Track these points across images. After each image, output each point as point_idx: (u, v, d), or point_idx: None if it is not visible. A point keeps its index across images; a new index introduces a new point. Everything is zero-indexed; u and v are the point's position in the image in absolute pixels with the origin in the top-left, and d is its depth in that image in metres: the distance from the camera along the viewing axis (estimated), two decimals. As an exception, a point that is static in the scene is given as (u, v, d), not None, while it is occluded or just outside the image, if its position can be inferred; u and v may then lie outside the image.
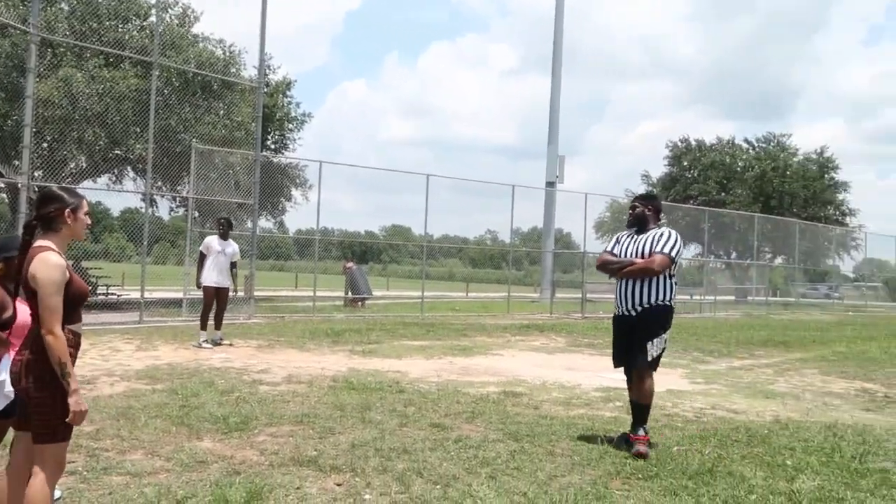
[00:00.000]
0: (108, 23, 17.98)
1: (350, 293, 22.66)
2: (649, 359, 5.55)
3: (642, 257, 5.60)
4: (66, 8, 17.73)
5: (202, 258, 11.36)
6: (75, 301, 3.17)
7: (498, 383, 8.50)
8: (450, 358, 10.75)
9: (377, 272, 51.03)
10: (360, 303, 22.42)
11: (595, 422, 6.50)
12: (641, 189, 49.56)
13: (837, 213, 46.44)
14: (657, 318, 5.56)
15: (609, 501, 4.32)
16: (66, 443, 3.22)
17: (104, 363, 8.86)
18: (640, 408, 5.62)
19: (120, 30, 18.26)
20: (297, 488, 4.39)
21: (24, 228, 3.20)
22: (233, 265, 11.58)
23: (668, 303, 5.59)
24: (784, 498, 4.49)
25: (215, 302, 11.29)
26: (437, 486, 4.49)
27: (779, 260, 40.92)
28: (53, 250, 3.16)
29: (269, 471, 4.69)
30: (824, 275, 42.41)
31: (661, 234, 5.65)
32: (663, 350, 5.62)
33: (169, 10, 19.43)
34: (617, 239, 5.98)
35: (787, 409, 7.60)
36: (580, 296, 24.13)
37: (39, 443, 3.13)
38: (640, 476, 4.83)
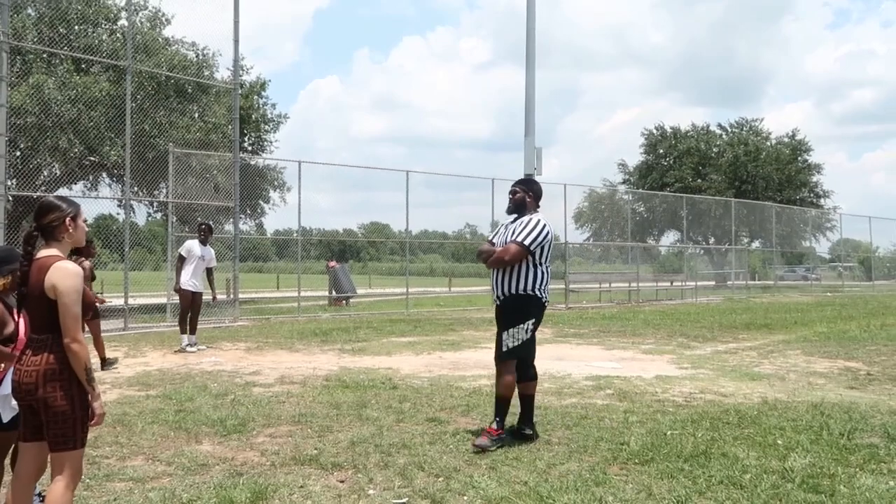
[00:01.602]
0: (77, 27, 17.82)
1: (334, 292, 22.64)
2: (503, 349, 5.40)
3: None
4: (34, 14, 17.55)
5: (181, 262, 11.21)
6: (85, 310, 3.20)
7: (490, 376, 8.53)
8: (439, 353, 10.81)
9: (357, 270, 50.89)
10: (344, 301, 22.41)
11: (588, 410, 6.58)
12: (619, 178, 49.95)
13: (812, 195, 47.12)
14: (517, 308, 5.38)
15: (609, 486, 4.40)
16: (83, 449, 3.26)
17: (94, 371, 8.80)
18: (500, 399, 5.45)
19: (90, 34, 18.10)
20: (301, 486, 4.43)
21: (25, 239, 3.22)
22: (210, 271, 11.49)
23: (529, 292, 5.38)
24: (777, 476, 4.59)
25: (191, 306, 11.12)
26: (440, 479, 4.55)
27: (756, 244, 41.43)
28: (66, 259, 3.19)
29: (272, 471, 4.73)
30: (801, 257, 43.00)
31: (524, 223, 5.44)
32: (525, 341, 5.39)
33: (139, 12, 19.27)
34: (505, 226, 5.71)
35: (774, 391, 7.74)
36: (563, 286, 24.28)
37: (59, 451, 3.16)
38: (636, 461, 4.92)
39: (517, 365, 5.51)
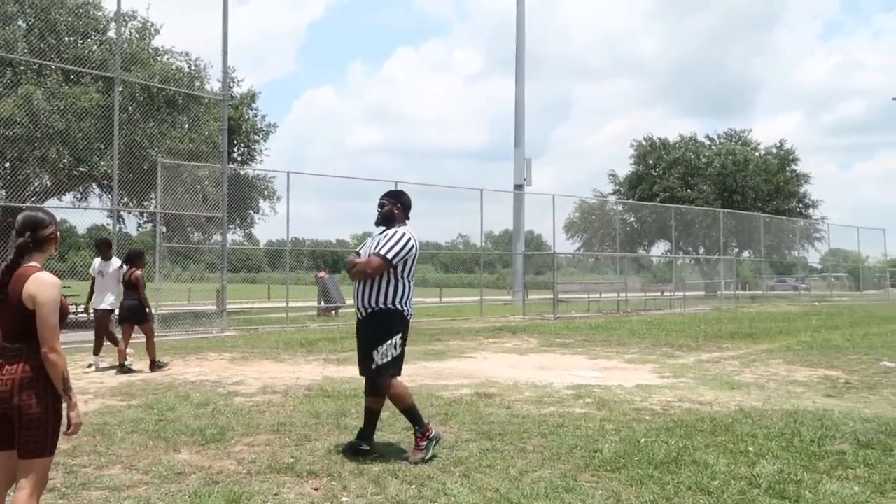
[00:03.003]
0: (66, 38, 17.89)
1: (323, 303, 22.67)
2: (373, 366, 5.33)
3: None
4: (24, 25, 17.62)
5: (92, 281, 10.72)
6: (61, 319, 3.28)
7: (471, 385, 8.64)
8: (423, 363, 10.86)
9: (349, 280, 50.93)
10: (333, 312, 22.44)
11: (566, 419, 6.65)
12: (609, 188, 50.15)
13: (801, 205, 47.40)
14: (380, 323, 5.31)
15: (578, 493, 4.47)
16: (51, 458, 3.31)
17: (77, 381, 8.84)
18: (403, 413, 5.42)
19: (80, 45, 18.17)
20: (275, 494, 4.49)
21: (19, 250, 3.28)
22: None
23: (392, 306, 5.29)
24: (745, 482, 4.68)
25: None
26: (412, 486, 4.61)
27: (745, 254, 41.64)
28: (44, 270, 3.27)
29: (247, 479, 4.78)
30: (791, 267, 43.22)
31: (388, 235, 5.36)
32: (395, 357, 5.32)
33: (128, 22, 19.35)
34: (373, 238, 5.60)
35: (751, 399, 7.83)
36: (552, 297, 24.38)
37: (28, 458, 3.21)
38: (608, 468, 4.99)
39: (369, 379, 5.50)
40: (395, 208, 5.55)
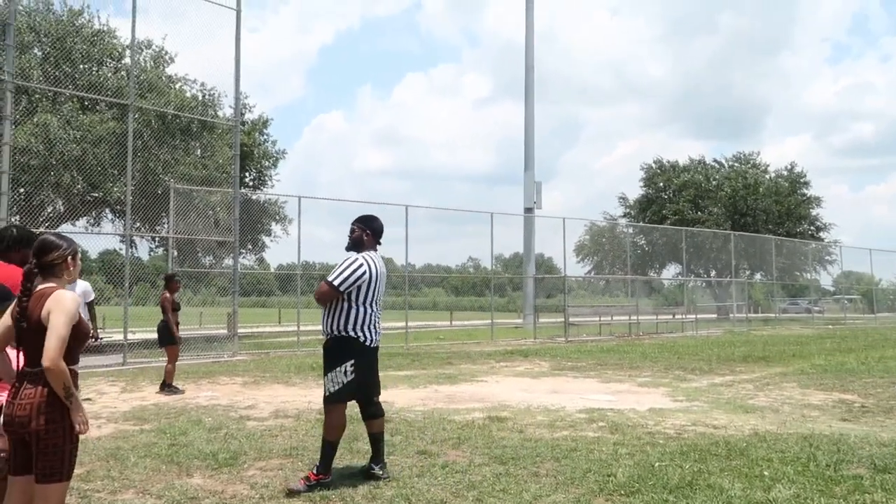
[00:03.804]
0: (82, 66, 18.14)
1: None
2: (326, 393, 5.31)
3: None
4: (40, 53, 17.88)
5: None
6: (80, 341, 3.30)
7: (483, 409, 8.61)
8: (435, 386, 10.84)
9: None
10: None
11: (579, 443, 6.62)
12: (619, 211, 50.15)
13: (812, 228, 47.21)
14: (335, 349, 5.31)
15: (593, 518, 4.44)
16: (68, 482, 3.32)
17: (90, 406, 8.87)
18: (324, 443, 5.30)
19: (94, 73, 18.42)
20: (289, 519, 4.47)
21: (25, 276, 3.31)
22: (90, 305, 9.90)
23: (344, 333, 5.26)
24: (761, 507, 4.63)
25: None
26: (426, 511, 4.59)
27: (757, 276, 41.44)
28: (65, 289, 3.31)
29: (260, 503, 4.78)
30: (803, 289, 42.98)
31: (342, 262, 5.35)
32: (346, 384, 5.24)
33: (143, 51, 19.61)
34: None
35: (765, 423, 7.77)
36: (563, 320, 24.32)
37: (45, 483, 3.22)
38: (622, 492, 4.96)
39: (360, 403, 5.46)
40: (364, 234, 5.52)
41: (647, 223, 43.66)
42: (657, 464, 5.75)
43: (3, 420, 3.33)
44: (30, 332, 3.26)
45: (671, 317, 29.49)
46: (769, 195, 45.04)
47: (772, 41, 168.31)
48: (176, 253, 17.63)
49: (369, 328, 5.35)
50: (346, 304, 5.27)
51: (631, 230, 42.16)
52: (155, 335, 11.15)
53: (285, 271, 24.36)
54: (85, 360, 13.73)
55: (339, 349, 5.29)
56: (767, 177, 47.98)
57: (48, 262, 3.36)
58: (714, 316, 34.32)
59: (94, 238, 24.57)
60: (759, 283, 40.86)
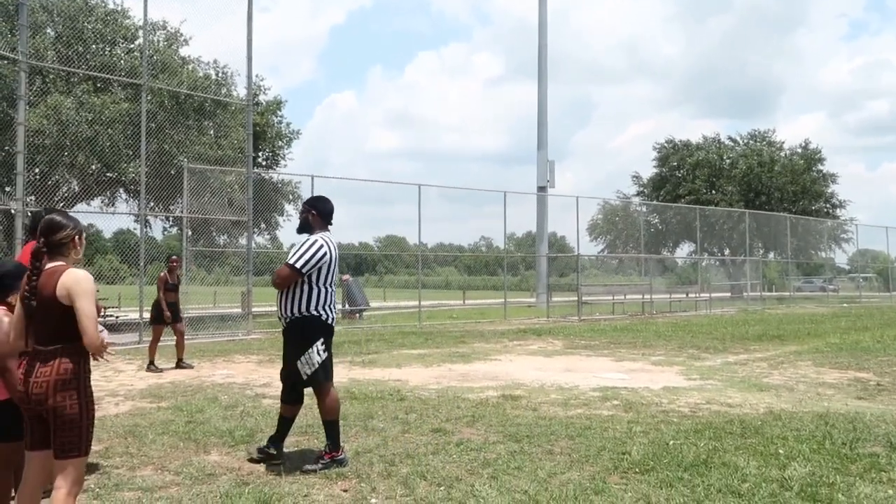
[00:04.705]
0: (94, 46, 18.13)
1: (347, 305, 22.77)
2: (304, 377, 5.26)
3: None
4: (52, 34, 17.89)
5: None
6: None
7: (497, 387, 8.64)
8: (449, 365, 10.88)
9: (374, 283, 51.10)
10: (357, 314, 22.53)
11: (593, 421, 6.63)
12: (633, 190, 49.89)
13: (828, 206, 46.78)
14: (300, 331, 5.25)
15: (608, 495, 4.46)
16: (86, 457, 3.37)
17: (107, 384, 8.97)
18: (325, 424, 5.29)
19: (107, 54, 18.42)
20: (305, 496, 4.52)
21: (34, 254, 3.35)
22: None
23: (307, 312, 5.22)
24: (776, 485, 4.63)
25: None
26: (441, 488, 4.62)
27: (771, 255, 41.19)
28: (76, 268, 3.35)
29: (277, 480, 4.83)
30: (818, 268, 42.70)
31: (300, 244, 5.35)
32: (321, 363, 5.22)
33: (156, 31, 19.59)
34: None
35: (780, 401, 7.75)
36: (576, 299, 24.30)
37: (64, 458, 3.28)
38: (636, 470, 4.97)
39: (287, 386, 5.44)
40: (309, 215, 5.48)
41: (661, 202, 43.42)
42: (671, 442, 5.75)
43: (19, 397, 3.39)
44: (40, 309, 3.30)
45: (685, 296, 29.38)
46: (784, 173, 44.63)
47: (786, 18, 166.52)
48: (190, 232, 17.71)
49: (330, 307, 5.35)
50: (306, 286, 5.24)
51: (644, 209, 41.93)
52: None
53: (298, 251, 24.41)
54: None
55: (305, 330, 5.25)
56: (782, 154, 47.51)
57: (56, 241, 3.40)
58: (728, 295, 34.16)
59: (109, 218, 24.70)
60: (773, 261, 40.60)
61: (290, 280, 5.22)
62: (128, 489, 4.66)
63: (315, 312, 5.24)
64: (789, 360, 11.52)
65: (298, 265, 5.19)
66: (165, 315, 10.62)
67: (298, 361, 5.24)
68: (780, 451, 5.44)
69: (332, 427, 5.26)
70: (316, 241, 5.30)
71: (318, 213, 5.49)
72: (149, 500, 4.47)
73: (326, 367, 5.29)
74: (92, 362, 3.48)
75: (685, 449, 5.50)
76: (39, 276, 3.32)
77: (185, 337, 11.23)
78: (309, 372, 5.22)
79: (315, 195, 5.68)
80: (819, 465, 5.08)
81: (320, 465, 5.07)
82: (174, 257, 11.33)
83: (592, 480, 4.75)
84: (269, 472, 5.02)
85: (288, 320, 5.31)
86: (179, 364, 10.63)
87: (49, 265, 3.36)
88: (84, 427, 3.30)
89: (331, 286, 5.37)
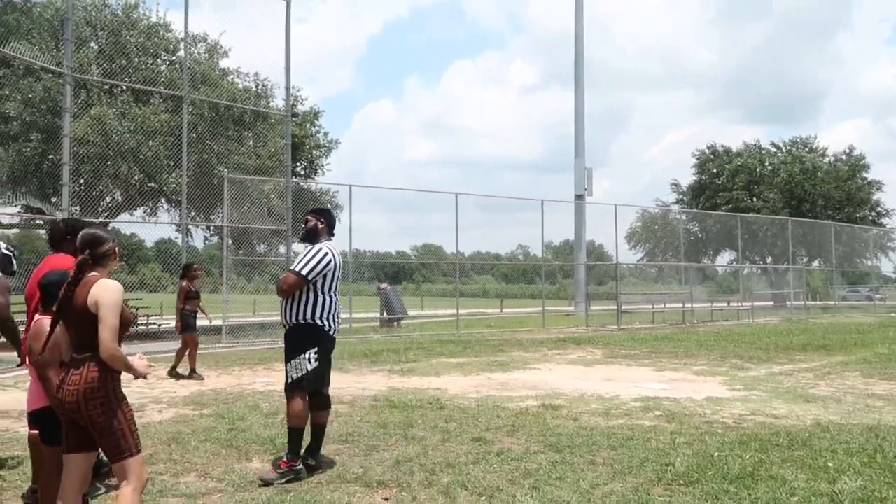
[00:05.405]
0: (136, 59, 18.51)
1: (385, 314, 22.85)
2: (288, 381, 5.28)
3: None
4: (96, 47, 18.29)
5: None
6: (124, 327, 3.39)
7: (537, 397, 8.57)
8: (487, 374, 10.84)
9: (411, 292, 51.21)
10: (395, 323, 22.59)
11: (635, 431, 6.54)
12: (672, 198, 49.36)
13: (873, 213, 45.77)
14: (299, 337, 5.29)
15: (652, 507, 4.38)
16: (141, 455, 3.45)
17: (151, 391, 9.10)
18: (289, 430, 5.29)
19: (149, 66, 18.78)
20: (346, 504, 4.52)
21: (79, 266, 3.43)
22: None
23: (310, 321, 5.27)
24: (826, 499, 4.51)
25: None
26: (482, 498, 4.59)
27: (815, 263, 40.39)
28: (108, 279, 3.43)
29: (318, 488, 4.83)
30: (864, 277, 41.76)
31: (306, 252, 5.39)
32: (309, 371, 5.22)
33: (197, 44, 19.93)
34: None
35: (828, 413, 7.57)
36: (615, 307, 24.07)
37: (117, 462, 3.36)
38: (681, 482, 4.88)
39: (313, 392, 5.38)
40: (319, 223, 5.55)
41: (701, 210, 42.86)
42: (716, 453, 5.64)
43: (55, 403, 3.49)
44: (74, 318, 3.39)
45: (726, 304, 28.94)
46: (828, 180, 43.76)
47: (827, 23, 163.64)
48: (230, 241, 17.93)
49: (332, 317, 5.38)
50: (311, 294, 5.29)
51: (684, 216, 41.45)
52: (208, 322, 11.37)
53: (336, 259, 24.58)
54: (143, 347, 14.08)
55: (303, 337, 5.28)
56: (826, 160, 46.61)
57: (100, 253, 3.52)
58: (770, 304, 33.55)
59: (151, 227, 25.16)
60: (817, 270, 39.81)
61: (296, 287, 5.27)
62: (172, 496, 4.70)
63: (317, 322, 5.30)
64: (836, 370, 11.25)
65: (304, 272, 5.24)
66: (177, 325, 10.67)
67: (288, 364, 5.29)
68: (830, 465, 5.30)
69: (294, 434, 5.24)
70: (321, 249, 5.37)
71: (326, 223, 5.58)
72: (192, 506, 4.50)
73: (316, 376, 5.29)
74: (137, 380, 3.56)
75: (730, 461, 5.39)
76: (76, 286, 3.39)
77: (225, 345, 11.33)
78: (295, 376, 5.24)
79: (320, 206, 5.74)
80: (871, 479, 4.93)
81: (278, 475, 5.02)
82: (196, 266, 11.37)
83: (636, 492, 4.67)
84: (310, 480, 5.03)
85: (289, 326, 5.37)
86: (174, 372, 10.42)
87: (88, 274, 3.45)
88: (122, 429, 3.36)
89: (335, 295, 5.42)
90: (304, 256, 5.34)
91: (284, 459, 5.16)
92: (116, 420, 3.34)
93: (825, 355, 13.55)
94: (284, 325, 5.42)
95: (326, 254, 5.34)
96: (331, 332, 5.39)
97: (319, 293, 5.31)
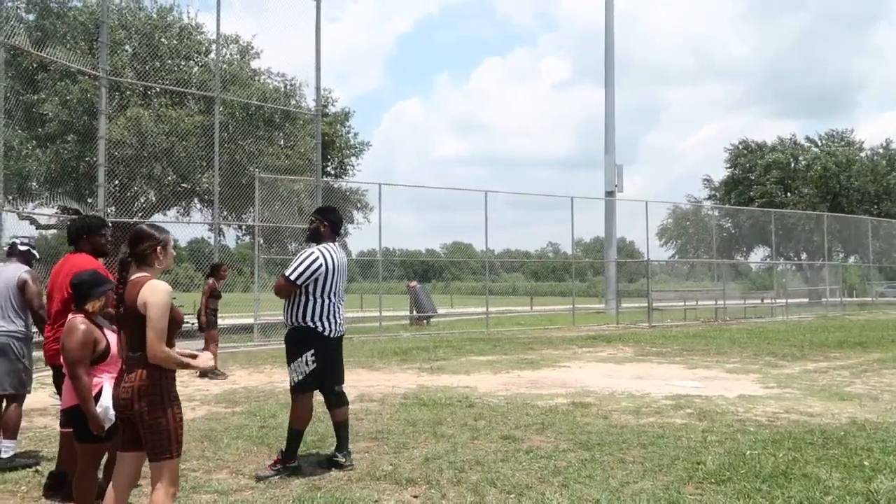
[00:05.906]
0: (170, 61, 18.75)
1: (415, 312, 22.90)
2: (291, 384, 5.37)
3: None
4: (130, 50, 18.56)
5: None
6: (173, 327, 3.44)
7: (566, 394, 8.55)
8: (517, 372, 10.82)
9: (440, 290, 51.29)
10: (425, 321, 22.63)
11: (666, 429, 6.50)
12: (704, 193, 48.84)
13: (913, 208, 44.83)
14: (294, 340, 5.34)
15: (682, 506, 4.35)
16: (178, 458, 3.50)
17: (184, 389, 9.21)
18: (290, 432, 5.37)
19: (181, 69, 19.02)
20: (376, 501, 4.55)
21: (120, 264, 3.50)
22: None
23: (303, 323, 5.30)
24: (861, 498, 4.45)
25: None
26: (511, 496, 4.59)
27: (851, 259, 39.69)
28: (157, 279, 3.47)
29: (348, 485, 4.87)
30: (903, 272, 40.93)
31: (298, 256, 5.42)
32: (309, 373, 5.28)
33: (229, 45, 20.13)
34: None
35: (864, 411, 7.45)
36: (646, 305, 23.88)
37: (156, 461, 3.41)
38: (712, 481, 4.84)
39: (325, 392, 5.47)
40: (321, 225, 5.55)
41: (734, 205, 42.34)
42: (748, 452, 5.59)
43: (113, 401, 3.61)
44: (127, 318, 3.43)
45: (759, 301, 28.54)
46: (864, 173, 42.96)
47: (864, 14, 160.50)
48: (262, 240, 18.09)
49: (328, 318, 5.37)
50: (304, 297, 5.32)
51: (716, 212, 40.98)
52: (241, 321, 11.48)
53: (366, 258, 24.68)
54: (177, 346, 14.28)
55: (299, 339, 5.34)
56: (863, 154, 45.74)
57: (139, 251, 3.54)
58: (805, 300, 33.02)
59: (184, 227, 25.41)
60: (854, 265, 39.12)
61: (287, 291, 5.34)
62: (204, 492, 4.77)
63: (310, 324, 5.32)
64: (873, 368, 11.06)
65: (293, 277, 5.28)
66: (202, 321, 10.88)
67: (289, 367, 5.37)
68: (865, 463, 5.23)
69: (294, 435, 5.33)
70: (312, 253, 5.39)
71: (329, 225, 5.59)
72: (224, 503, 4.57)
73: (315, 376, 5.33)
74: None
75: (763, 459, 5.34)
76: (125, 285, 3.45)
77: (257, 344, 11.43)
78: (297, 379, 5.32)
79: (324, 206, 5.78)
80: (907, 478, 4.85)
81: (272, 472, 5.12)
82: (225, 266, 11.54)
83: (666, 490, 4.64)
84: (340, 477, 5.07)
85: (287, 328, 5.46)
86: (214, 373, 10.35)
87: (136, 275, 3.49)
88: (170, 430, 3.42)
89: (333, 297, 5.41)
90: (296, 261, 5.38)
91: (279, 456, 5.27)
92: (165, 419, 3.40)
93: (861, 352, 13.32)
94: (285, 327, 5.52)
95: (317, 258, 5.34)
96: (327, 333, 5.37)
97: (311, 296, 5.34)
